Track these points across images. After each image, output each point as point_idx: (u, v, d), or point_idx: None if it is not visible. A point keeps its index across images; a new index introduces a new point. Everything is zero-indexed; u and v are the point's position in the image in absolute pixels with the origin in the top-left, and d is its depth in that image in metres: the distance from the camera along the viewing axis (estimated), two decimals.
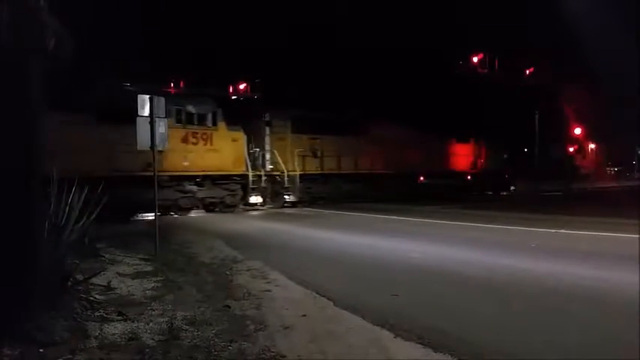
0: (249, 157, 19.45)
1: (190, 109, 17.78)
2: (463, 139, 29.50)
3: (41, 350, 3.86)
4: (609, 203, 20.42)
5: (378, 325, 4.69)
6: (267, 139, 20.50)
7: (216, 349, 4.05)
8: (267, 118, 20.53)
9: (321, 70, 29.07)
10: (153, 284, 6.43)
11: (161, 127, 8.85)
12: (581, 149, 43.66)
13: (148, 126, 8.66)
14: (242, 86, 34.10)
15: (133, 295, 5.86)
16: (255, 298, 5.71)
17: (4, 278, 4.09)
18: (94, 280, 5.79)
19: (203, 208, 18.49)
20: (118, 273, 7.03)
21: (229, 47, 28.45)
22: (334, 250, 9.68)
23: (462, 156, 29.61)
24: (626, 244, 9.05)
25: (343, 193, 21.98)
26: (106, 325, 4.58)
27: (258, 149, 20.13)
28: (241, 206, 19.60)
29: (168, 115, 16.27)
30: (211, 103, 18.62)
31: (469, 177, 29.91)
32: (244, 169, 19.19)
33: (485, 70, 32.26)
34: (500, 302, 5.64)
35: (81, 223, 5.67)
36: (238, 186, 19.24)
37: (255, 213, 18.87)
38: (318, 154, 21.61)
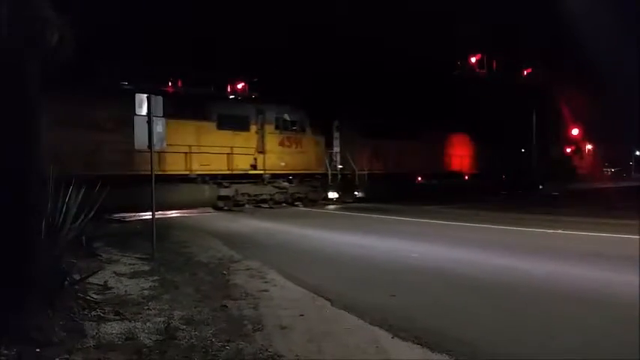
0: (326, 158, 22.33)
1: (286, 117, 20.49)
2: (462, 139, 29.94)
3: (38, 350, 3.85)
4: (605, 204, 20.45)
5: (375, 326, 4.69)
6: (337, 142, 22.94)
7: (213, 349, 4.05)
8: (336, 124, 22.92)
9: (320, 70, 29.05)
10: (150, 284, 6.42)
11: (159, 127, 8.80)
12: (579, 150, 43.71)
13: (146, 125, 8.62)
14: (240, 85, 34.06)
15: (130, 294, 5.84)
16: (252, 298, 5.70)
17: (1, 278, 4.08)
18: (91, 279, 5.79)
19: (291, 202, 20.85)
20: (115, 272, 7.01)
21: (228, 46, 28.38)
22: (332, 250, 9.67)
23: (461, 156, 30.02)
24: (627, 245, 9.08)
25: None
26: (103, 325, 4.57)
27: (332, 151, 22.67)
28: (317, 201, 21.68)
29: (268, 122, 19.80)
30: (302, 112, 21.10)
31: (466, 177, 30.27)
32: (324, 168, 21.92)
33: (484, 71, 32.28)
34: (497, 303, 5.64)
35: (78, 222, 5.65)
36: (319, 183, 21.95)
37: (331, 207, 21.02)
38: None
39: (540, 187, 34.24)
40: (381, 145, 23.99)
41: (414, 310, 5.42)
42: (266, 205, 19.84)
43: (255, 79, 33.31)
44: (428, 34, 28.88)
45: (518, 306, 5.49)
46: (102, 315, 4.90)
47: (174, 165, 17.06)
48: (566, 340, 4.37)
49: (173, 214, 17.80)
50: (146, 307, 5.26)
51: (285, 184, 20.69)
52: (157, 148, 8.84)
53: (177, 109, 16.35)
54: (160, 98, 8.86)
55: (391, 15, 29.34)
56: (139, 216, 15.49)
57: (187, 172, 17.52)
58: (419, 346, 4.17)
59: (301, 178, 21.15)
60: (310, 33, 27.99)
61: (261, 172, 19.69)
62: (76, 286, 5.23)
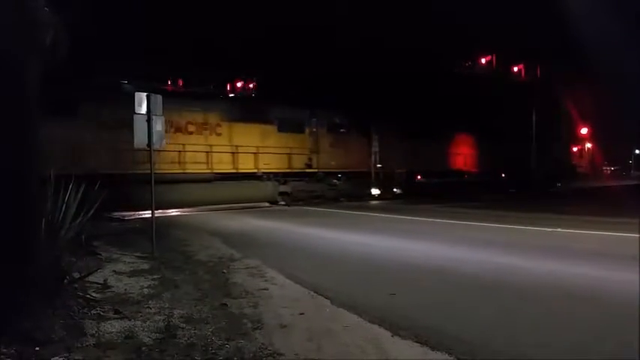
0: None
1: (336, 120, 22.94)
2: (464, 138, 30.40)
3: (38, 348, 3.85)
4: (606, 202, 20.48)
5: (375, 324, 4.68)
6: (376, 143, 24.74)
7: (213, 348, 4.04)
8: (375, 126, 24.72)
9: (321, 70, 29.02)
10: (150, 282, 6.41)
11: (158, 125, 8.80)
12: (580, 149, 43.71)
13: (145, 124, 8.62)
14: (239, 84, 34.02)
15: (130, 293, 5.84)
16: (252, 297, 5.70)
17: (1, 277, 4.07)
18: (91, 278, 5.77)
19: (340, 198, 22.79)
20: (114, 271, 7.01)
21: (229, 45, 28.32)
22: (332, 248, 9.67)
23: (464, 155, 30.47)
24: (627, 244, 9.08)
25: None
26: (102, 324, 4.57)
27: (373, 150, 24.59)
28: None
29: (321, 125, 22.07)
30: (348, 115, 23.42)
31: (466, 176, 30.58)
32: (367, 166, 24.26)
33: (488, 69, 32.35)
34: (498, 301, 5.64)
35: (77, 220, 5.64)
36: (363, 180, 24.05)
37: (375, 202, 22.55)
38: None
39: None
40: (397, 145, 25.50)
41: (415, 308, 5.42)
42: (318, 201, 21.72)
43: (255, 78, 33.29)
44: (429, 33, 28.84)
45: (519, 305, 5.49)
46: (101, 313, 4.89)
47: (245, 164, 19.70)
48: (566, 338, 4.37)
49: (173, 212, 17.83)
50: (146, 306, 5.25)
51: (335, 181, 23.06)
52: (156, 146, 8.84)
53: (244, 114, 19.85)
54: (159, 97, 8.87)
55: (392, 14, 29.26)
56: (139, 214, 15.52)
57: (255, 170, 20.03)
58: (419, 344, 4.16)
59: (348, 175, 23.34)
60: (309, 33, 27.95)
61: (315, 170, 22.12)
62: (76, 285, 5.22)
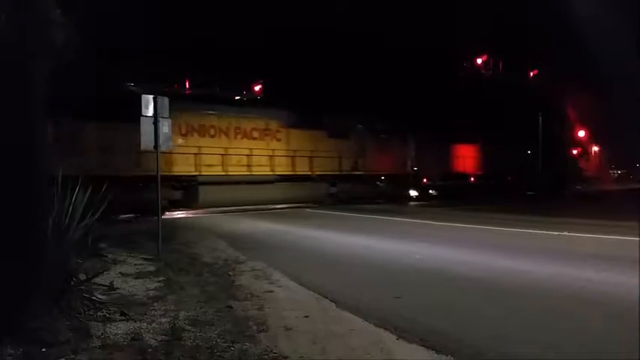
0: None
1: (378, 126, 24.92)
2: (468, 141, 30.48)
3: (44, 350, 3.87)
4: (609, 206, 20.39)
5: (380, 327, 4.68)
6: (413, 147, 26.51)
7: (218, 350, 4.05)
8: (412, 131, 26.49)
9: (324, 71, 29.05)
10: (155, 284, 6.43)
11: (165, 127, 8.83)
12: (585, 152, 43.44)
13: (152, 126, 8.64)
14: (257, 87, 33.97)
15: (136, 295, 5.86)
16: (257, 299, 5.71)
17: (8, 277, 4.10)
18: (97, 279, 5.80)
19: (381, 199, 24.22)
20: (120, 273, 7.04)
21: (234, 48, 28.37)
22: (337, 251, 9.67)
23: (468, 158, 30.54)
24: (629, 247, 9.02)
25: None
26: (108, 325, 4.59)
27: (410, 154, 26.54)
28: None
29: (366, 130, 24.34)
30: (388, 120, 25.07)
31: (472, 179, 30.70)
32: (406, 170, 26.23)
33: (490, 72, 32.21)
34: (503, 304, 5.62)
35: (84, 222, 5.67)
36: (402, 182, 25.98)
37: (416, 203, 23.62)
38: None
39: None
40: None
41: (419, 311, 5.41)
42: (363, 202, 22.74)
43: (261, 81, 33.28)
44: (433, 36, 28.82)
45: (523, 307, 5.47)
46: (107, 315, 4.91)
47: (301, 167, 21.89)
48: (570, 341, 4.35)
49: (180, 214, 17.89)
50: (151, 308, 5.27)
51: (378, 183, 25.25)
52: (162, 148, 8.87)
53: (299, 121, 21.85)
54: (166, 99, 8.90)
55: (394, 16, 29.29)
56: (146, 217, 15.57)
57: (309, 173, 22.25)
58: (424, 347, 4.16)
59: (389, 178, 25.50)
60: (312, 34, 28.00)
61: (361, 173, 24.13)
62: (82, 287, 5.24)
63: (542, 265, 7.72)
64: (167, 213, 16.79)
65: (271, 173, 20.82)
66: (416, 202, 24.92)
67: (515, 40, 30.68)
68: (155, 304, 5.45)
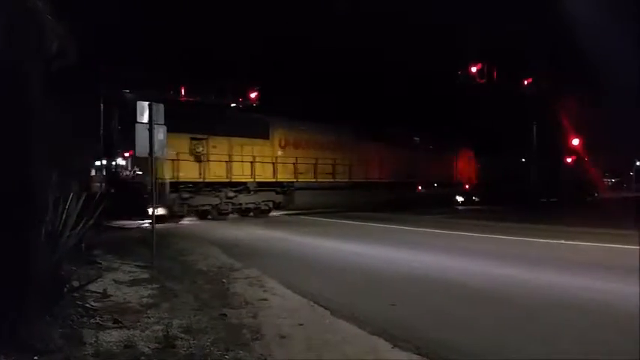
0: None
1: (428, 138, 28.44)
2: (461, 150, 31.22)
3: (36, 357, 3.83)
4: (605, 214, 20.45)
5: (375, 335, 4.67)
6: (456, 158, 30.09)
7: (212, 358, 4.03)
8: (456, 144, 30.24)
9: (320, 80, 29.20)
10: (149, 292, 6.40)
11: (160, 134, 8.80)
12: (581, 160, 43.52)
13: (147, 133, 8.63)
14: (253, 94, 33.99)
15: (129, 302, 5.83)
16: (251, 307, 5.68)
17: (0, 285, 4.07)
18: (90, 287, 5.77)
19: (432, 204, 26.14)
20: (114, 280, 7.00)
21: (232, 55, 28.43)
22: (332, 258, 9.65)
23: (461, 167, 31.21)
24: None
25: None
26: (101, 333, 4.55)
27: (455, 164, 30.05)
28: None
29: (419, 142, 27.63)
30: (436, 135, 28.79)
31: (467, 187, 31.43)
32: (452, 178, 29.86)
33: (483, 81, 32.34)
34: (499, 313, 5.62)
35: (78, 229, 5.64)
36: (449, 189, 29.63)
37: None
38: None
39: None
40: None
41: (415, 319, 5.40)
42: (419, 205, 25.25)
43: (258, 88, 33.31)
44: (428, 44, 29.02)
45: (519, 316, 5.47)
46: (100, 323, 4.88)
47: (372, 174, 24.74)
48: (567, 350, 4.35)
49: (186, 222, 17.95)
50: (145, 315, 5.24)
51: (434, 188, 28.96)
52: (157, 155, 8.84)
53: (367, 134, 24.72)
54: (161, 106, 8.89)
55: (391, 26, 29.47)
56: (140, 224, 15.52)
57: (378, 180, 25.14)
58: (419, 356, 4.15)
59: (440, 184, 29.24)
60: (309, 41, 28.11)
61: (415, 180, 27.76)
62: (75, 294, 5.21)
63: (539, 273, 7.73)
64: (270, 214, 21.05)
65: (347, 180, 23.70)
66: (463, 207, 28.91)
67: (510, 48, 30.86)
68: (149, 311, 5.42)
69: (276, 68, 29.37)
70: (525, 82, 33.92)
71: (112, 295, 6.05)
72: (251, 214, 20.42)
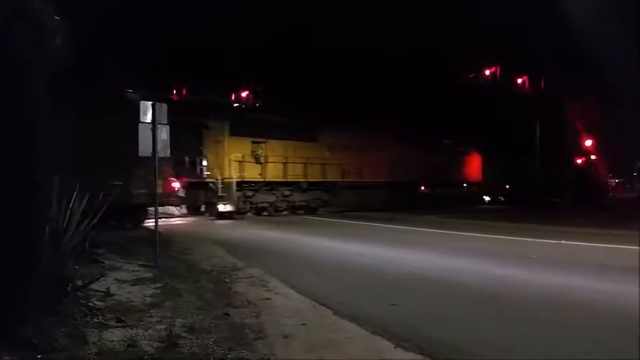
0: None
1: (459, 140, 31.50)
2: (468, 150, 32.43)
3: (39, 356, 3.84)
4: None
5: (377, 335, 4.67)
6: (480, 159, 32.93)
7: (215, 357, 4.03)
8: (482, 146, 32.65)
9: (323, 77, 29.13)
10: (152, 291, 6.41)
11: (163, 134, 8.79)
12: (590, 161, 43.31)
13: (150, 133, 8.62)
14: (244, 94, 34.10)
15: (133, 301, 5.83)
16: (254, 307, 5.69)
17: (3, 283, 4.08)
18: (94, 286, 5.78)
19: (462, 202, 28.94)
20: (117, 279, 7.01)
21: (229, 53, 28.37)
22: (334, 258, 9.65)
23: (466, 166, 32.56)
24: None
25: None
26: (104, 332, 4.56)
27: (481, 166, 32.94)
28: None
29: (452, 145, 31.32)
30: (462, 137, 31.29)
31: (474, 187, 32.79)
32: (478, 178, 32.77)
33: (491, 80, 32.39)
34: (501, 313, 5.61)
35: (81, 228, 5.64)
36: (478, 188, 32.68)
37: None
38: None
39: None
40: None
41: (417, 319, 5.40)
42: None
43: (258, 87, 33.38)
44: (433, 45, 28.90)
45: (521, 316, 5.46)
46: (104, 322, 4.89)
47: (406, 175, 26.35)
48: (567, 350, 4.35)
49: (177, 221, 17.92)
50: (148, 315, 5.24)
51: (462, 188, 32.12)
52: (160, 155, 8.83)
53: (405, 137, 26.00)
54: (164, 105, 8.88)
55: (398, 24, 29.34)
56: (144, 223, 15.55)
57: (414, 180, 27.53)
58: (421, 356, 4.15)
59: (470, 184, 32.38)
60: (311, 38, 28.06)
61: (452, 180, 30.76)
62: (79, 293, 5.22)
63: (539, 273, 7.73)
64: (318, 212, 22.70)
65: (385, 180, 25.41)
66: (489, 206, 31.40)
67: (515, 47, 30.76)
68: (152, 310, 5.42)
69: (281, 67, 29.31)
70: (533, 82, 33.92)
71: (115, 294, 6.05)
72: (302, 211, 22.21)
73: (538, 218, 18.63)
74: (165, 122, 8.83)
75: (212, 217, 19.38)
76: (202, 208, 20.40)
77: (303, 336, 4.67)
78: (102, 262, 8.03)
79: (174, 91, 30.94)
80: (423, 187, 29.41)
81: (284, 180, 21.25)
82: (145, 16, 23.53)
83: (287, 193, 21.58)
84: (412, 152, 26.64)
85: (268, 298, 6.11)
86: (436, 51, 29.32)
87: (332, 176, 23.09)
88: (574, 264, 8.63)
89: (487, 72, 33.58)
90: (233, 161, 19.23)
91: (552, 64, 32.80)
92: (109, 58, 21.37)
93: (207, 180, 19.72)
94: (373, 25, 28.82)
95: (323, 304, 5.82)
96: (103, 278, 6.54)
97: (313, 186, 22.53)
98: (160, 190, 14.76)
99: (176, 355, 4.06)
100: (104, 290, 6.05)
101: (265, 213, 20.78)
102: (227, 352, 4.13)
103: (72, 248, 5.43)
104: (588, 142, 39.47)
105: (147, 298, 6.03)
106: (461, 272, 7.93)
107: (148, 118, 8.63)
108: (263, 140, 20.43)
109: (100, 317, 5.00)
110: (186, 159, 19.99)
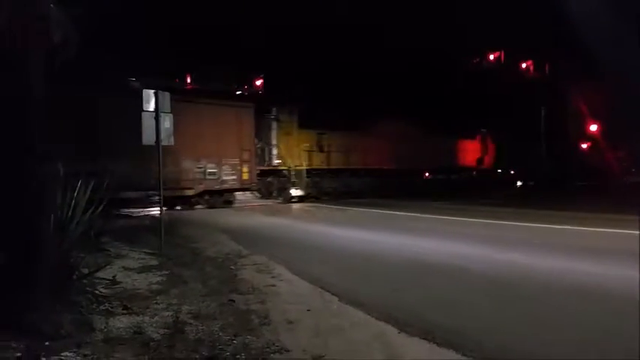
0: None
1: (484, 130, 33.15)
2: (471, 136, 32.47)
3: (47, 343, 3.88)
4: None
5: (382, 321, 4.69)
6: (493, 146, 33.84)
7: (220, 343, 4.06)
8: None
9: (328, 67, 28.95)
10: (158, 278, 6.45)
11: (166, 122, 8.80)
12: (597, 146, 43.07)
13: (153, 121, 8.62)
14: (258, 82, 33.88)
15: (139, 289, 5.87)
16: (259, 293, 5.72)
17: (11, 271, 4.11)
18: (100, 273, 5.79)
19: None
20: (123, 267, 7.05)
21: (235, 42, 28.22)
22: (339, 245, 9.67)
23: (469, 152, 32.54)
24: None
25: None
26: (111, 319, 4.60)
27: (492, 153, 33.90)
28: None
29: (488, 134, 33.75)
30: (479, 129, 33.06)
31: (474, 172, 32.71)
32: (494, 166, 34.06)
33: (496, 66, 32.20)
34: (504, 298, 5.62)
35: (87, 216, 5.66)
36: (491, 176, 33.37)
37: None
38: None
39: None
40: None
41: (422, 305, 5.41)
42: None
43: (262, 76, 33.19)
44: (436, 31, 28.68)
45: (525, 302, 5.46)
46: (110, 309, 4.93)
47: (437, 162, 28.53)
48: (571, 335, 4.35)
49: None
50: (154, 302, 5.28)
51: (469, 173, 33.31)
52: (164, 144, 8.83)
53: (435, 127, 27.33)
54: (167, 94, 8.86)
55: (400, 12, 29.12)
56: (148, 211, 15.61)
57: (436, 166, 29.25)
58: (426, 341, 4.16)
59: (479, 171, 33.28)
60: (317, 29, 27.83)
61: (483, 167, 33.09)
62: (85, 281, 5.25)
63: (542, 258, 7.71)
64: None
65: (418, 168, 27.60)
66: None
67: (518, 32, 30.51)
68: (158, 297, 5.46)
69: (285, 56, 29.13)
70: (539, 67, 33.69)
71: (121, 282, 6.08)
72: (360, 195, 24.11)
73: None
74: (169, 110, 8.83)
75: (282, 201, 21.62)
76: (274, 194, 22.45)
77: (309, 322, 4.69)
78: (108, 250, 8.02)
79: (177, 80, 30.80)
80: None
81: (345, 167, 23.96)
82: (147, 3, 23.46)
83: (347, 179, 24.28)
84: (441, 141, 28.61)
85: (273, 285, 6.12)
86: (435, 35, 29.14)
87: (380, 164, 25.38)
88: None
89: (491, 57, 33.38)
90: (303, 151, 22.06)
91: (557, 48, 32.58)
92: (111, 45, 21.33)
93: (280, 167, 21.70)
94: (373, 24, 28.69)
95: (328, 290, 5.83)
96: (108, 266, 6.45)
97: (368, 173, 25.10)
98: (246, 177, 18.94)
99: (182, 342, 4.09)
100: (110, 278, 5.98)
101: (326, 197, 22.79)
102: (232, 338, 4.16)
103: (78, 236, 5.44)
104: (593, 127, 39.29)
105: (153, 285, 6.06)
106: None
107: (151, 106, 8.63)
108: (325, 132, 23.13)
109: (106, 304, 5.04)
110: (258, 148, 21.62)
